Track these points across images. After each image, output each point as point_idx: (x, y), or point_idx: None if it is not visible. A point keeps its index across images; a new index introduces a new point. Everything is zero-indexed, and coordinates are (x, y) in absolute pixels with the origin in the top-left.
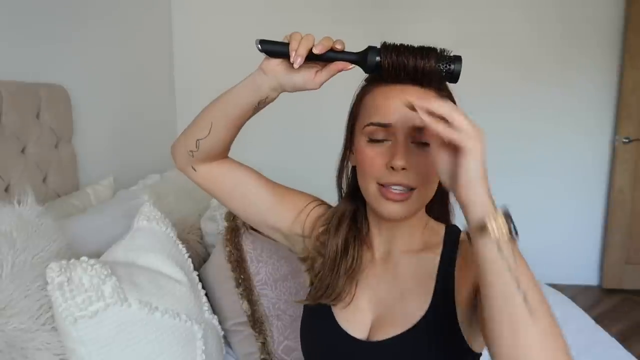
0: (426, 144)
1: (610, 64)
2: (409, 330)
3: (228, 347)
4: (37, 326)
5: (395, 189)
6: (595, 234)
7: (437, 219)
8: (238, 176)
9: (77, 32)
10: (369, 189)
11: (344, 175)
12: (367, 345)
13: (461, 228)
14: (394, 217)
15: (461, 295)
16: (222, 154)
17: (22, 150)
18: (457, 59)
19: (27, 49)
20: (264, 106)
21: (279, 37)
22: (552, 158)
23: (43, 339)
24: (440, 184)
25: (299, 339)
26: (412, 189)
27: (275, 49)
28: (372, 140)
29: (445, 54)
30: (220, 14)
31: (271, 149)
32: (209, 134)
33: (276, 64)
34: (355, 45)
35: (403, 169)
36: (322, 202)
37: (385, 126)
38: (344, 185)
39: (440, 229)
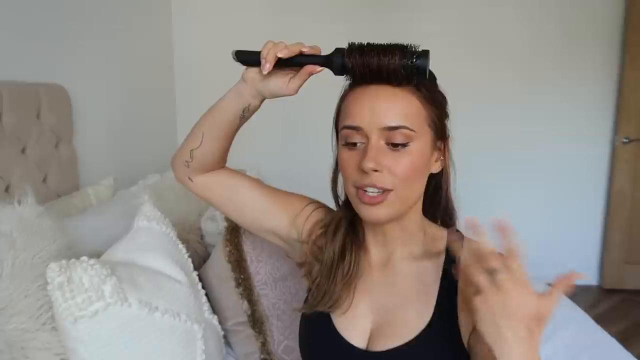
0: (401, 145)
1: (610, 64)
2: (409, 342)
3: (228, 347)
4: (37, 326)
5: (371, 192)
6: (595, 234)
7: (441, 222)
8: (233, 184)
9: (77, 32)
10: (350, 193)
11: (338, 182)
12: (367, 356)
13: (463, 232)
14: (374, 220)
15: (465, 308)
16: (217, 164)
17: (22, 150)
18: (423, 54)
19: (27, 49)
20: (250, 115)
21: (279, 39)
22: (552, 158)
23: (43, 339)
24: (431, 185)
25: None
26: (388, 191)
27: (249, 59)
28: (348, 144)
29: (410, 50)
30: (221, 15)
31: (271, 152)
32: (201, 143)
33: (254, 72)
34: None
35: (375, 170)
36: (320, 205)
37: (355, 129)
38: (340, 192)
39: (442, 234)
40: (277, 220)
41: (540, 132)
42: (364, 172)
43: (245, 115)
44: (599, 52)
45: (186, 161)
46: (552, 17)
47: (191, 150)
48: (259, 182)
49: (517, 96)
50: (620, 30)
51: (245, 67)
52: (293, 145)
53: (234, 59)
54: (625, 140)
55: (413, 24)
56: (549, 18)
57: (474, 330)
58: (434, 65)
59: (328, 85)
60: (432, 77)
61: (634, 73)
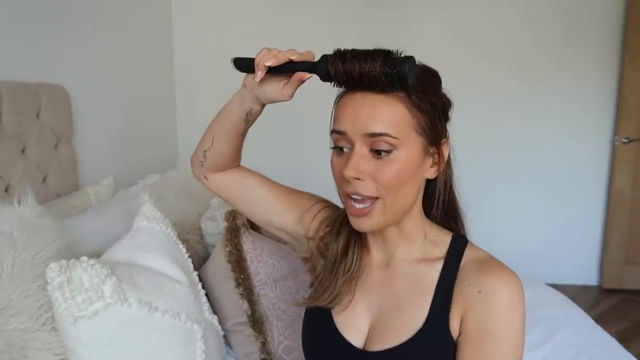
0: (383, 152)
1: (610, 64)
2: (404, 344)
3: (228, 347)
4: (37, 326)
5: (357, 203)
6: (595, 234)
7: (446, 226)
8: (246, 183)
9: (77, 33)
10: (343, 200)
11: None
12: (364, 355)
13: (468, 237)
14: (364, 230)
15: (455, 315)
16: (230, 163)
17: (22, 150)
18: (404, 61)
19: (27, 49)
20: (254, 118)
21: (277, 40)
22: (552, 158)
23: (43, 339)
24: (430, 189)
25: (298, 339)
26: (375, 198)
27: (245, 66)
28: (337, 149)
29: (393, 56)
30: (221, 15)
31: (279, 150)
32: (212, 145)
33: (251, 78)
34: (354, 45)
35: (357, 179)
36: (328, 204)
37: (341, 133)
38: None
39: (445, 239)
40: (286, 217)
41: (541, 132)
42: (346, 180)
43: (249, 119)
44: (599, 52)
45: (200, 161)
46: (553, 16)
47: (204, 151)
48: (270, 181)
49: (517, 96)
50: (620, 30)
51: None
52: (296, 145)
53: (232, 66)
54: (625, 140)
55: (416, 23)
56: (550, 18)
57: (459, 335)
58: (435, 62)
59: (330, 87)
60: (434, 79)
61: (634, 73)
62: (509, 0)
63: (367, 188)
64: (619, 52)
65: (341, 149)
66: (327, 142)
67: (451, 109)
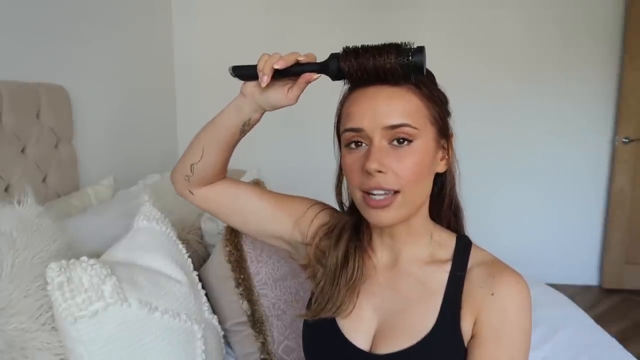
0: (404, 141)
1: (610, 65)
2: (413, 347)
3: (228, 347)
4: (37, 326)
5: (377, 196)
6: (595, 234)
7: (447, 224)
8: (234, 193)
9: (77, 33)
10: (356, 197)
11: (342, 187)
12: (370, 358)
13: (471, 238)
14: (382, 224)
15: (466, 318)
16: (218, 176)
17: (22, 150)
18: (419, 51)
19: (27, 49)
20: (250, 128)
21: (278, 41)
22: (552, 158)
23: (43, 339)
24: (436, 185)
25: (298, 339)
26: (395, 192)
27: (246, 73)
28: (351, 147)
29: (405, 47)
30: (221, 16)
31: (277, 149)
32: (201, 158)
33: (252, 86)
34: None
35: (379, 171)
36: (325, 207)
37: (357, 131)
38: (344, 198)
39: (450, 240)
40: (281, 224)
41: (541, 132)
42: (368, 174)
43: (245, 129)
44: (599, 52)
45: (187, 175)
46: (552, 17)
47: (192, 164)
48: (259, 188)
49: (517, 96)
50: (620, 30)
51: (243, 81)
52: (295, 146)
53: (231, 74)
54: (625, 140)
55: (411, 24)
56: (549, 18)
57: (472, 337)
58: (434, 65)
59: (331, 85)
60: (431, 76)
61: (634, 73)
62: (508, 1)
63: (389, 181)
64: (618, 53)
65: (356, 145)
66: (324, 140)
67: (449, 105)
